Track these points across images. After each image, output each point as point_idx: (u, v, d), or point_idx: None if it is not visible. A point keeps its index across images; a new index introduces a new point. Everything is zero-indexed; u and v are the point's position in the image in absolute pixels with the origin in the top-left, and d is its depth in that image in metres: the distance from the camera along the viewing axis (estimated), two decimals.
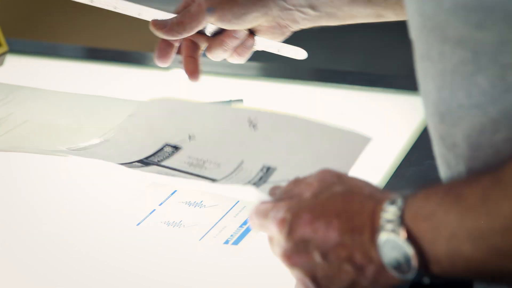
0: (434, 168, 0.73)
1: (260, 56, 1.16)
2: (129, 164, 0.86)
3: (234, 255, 0.76)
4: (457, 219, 0.58)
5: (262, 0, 0.99)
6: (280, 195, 0.66)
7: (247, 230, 0.77)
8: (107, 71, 1.29)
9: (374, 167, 1.00)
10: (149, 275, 0.72)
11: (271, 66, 1.33)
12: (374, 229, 0.58)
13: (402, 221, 0.57)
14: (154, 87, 1.20)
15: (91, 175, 0.92)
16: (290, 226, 0.59)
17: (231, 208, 0.82)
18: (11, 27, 1.37)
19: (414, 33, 0.67)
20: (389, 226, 0.58)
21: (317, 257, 0.59)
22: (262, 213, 0.63)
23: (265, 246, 0.69)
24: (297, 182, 0.67)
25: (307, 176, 0.67)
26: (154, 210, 0.81)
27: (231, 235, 0.76)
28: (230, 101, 1.07)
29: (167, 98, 0.98)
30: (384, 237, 0.57)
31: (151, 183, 0.88)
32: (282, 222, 0.60)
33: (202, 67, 1.10)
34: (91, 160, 0.88)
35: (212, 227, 0.77)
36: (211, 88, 1.18)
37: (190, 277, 0.72)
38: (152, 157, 0.87)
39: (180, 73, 1.16)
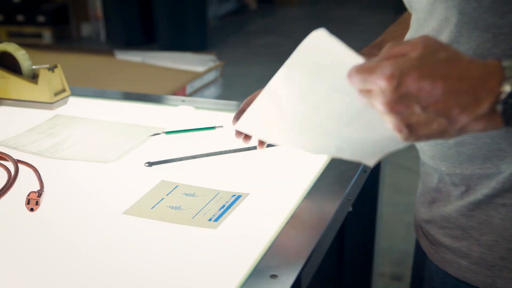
0: None
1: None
2: None
3: (215, 227, 0.86)
4: None
5: None
6: (381, 57, 0.64)
7: (224, 212, 0.89)
8: (135, 107, 1.38)
9: None
10: (158, 239, 0.84)
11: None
12: (497, 80, 0.63)
13: None
14: (166, 118, 1.29)
15: (115, 179, 1.04)
16: (398, 81, 0.60)
17: (213, 198, 0.93)
18: (72, 78, 1.57)
19: (449, 28, 0.80)
20: None
21: (417, 109, 0.61)
22: (367, 69, 0.62)
23: (235, 222, 0.87)
24: (396, 45, 0.66)
25: (409, 40, 0.72)
26: (163, 198, 0.93)
27: (213, 215, 0.88)
28: (214, 127, 1.20)
29: None
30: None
31: (161, 181, 0.99)
32: (391, 76, 0.59)
33: (198, 105, 1.31)
34: None
35: (201, 209, 0.90)
36: (204, 118, 1.27)
37: (187, 241, 0.83)
38: None
39: (181, 109, 1.35)
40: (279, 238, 0.83)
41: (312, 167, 1.03)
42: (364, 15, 6.98)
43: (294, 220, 0.88)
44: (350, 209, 1.02)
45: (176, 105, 1.37)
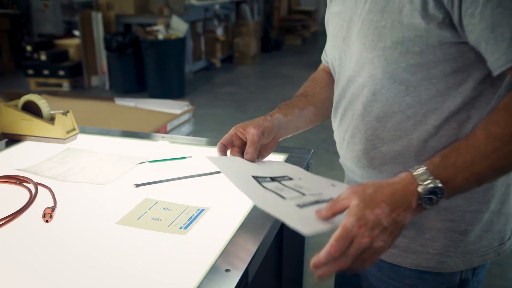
0: None
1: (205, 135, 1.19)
2: (261, 178, 0.88)
3: (184, 234, 0.83)
4: (471, 155, 0.70)
5: (285, 129, 1.01)
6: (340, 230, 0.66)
7: (191, 222, 0.87)
8: (127, 142, 1.35)
9: None
10: (142, 243, 0.82)
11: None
12: (414, 190, 0.68)
13: (431, 173, 0.68)
14: (150, 150, 1.24)
15: (111, 197, 1.01)
16: (365, 225, 0.65)
17: (183, 211, 0.91)
18: (82, 119, 1.55)
19: (374, 82, 0.82)
20: (425, 178, 0.68)
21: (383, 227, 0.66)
22: (340, 236, 0.65)
23: (199, 229, 0.85)
24: (334, 205, 0.71)
25: (339, 195, 0.71)
26: (146, 212, 0.91)
27: (183, 224, 0.86)
28: (185, 157, 1.17)
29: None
30: (423, 187, 0.67)
31: (145, 199, 0.96)
32: (359, 226, 0.65)
33: (173, 140, 1.29)
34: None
35: (174, 220, 0.87)
36: (178, 150, 1.22)
37: (164, 244, 0.81)
38: (278, 178, 0.90)
39: (161, 143, 1.32)
40: (232, 241, 0.82)
41: None
42: (295, 71, 7.08)
43: (242, 227, 0.87)
44: None
45: (157, 140, 1.35)
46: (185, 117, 2.41)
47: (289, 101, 1.06)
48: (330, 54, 0.99)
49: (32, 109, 1.31)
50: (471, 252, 0.85)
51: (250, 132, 0.94)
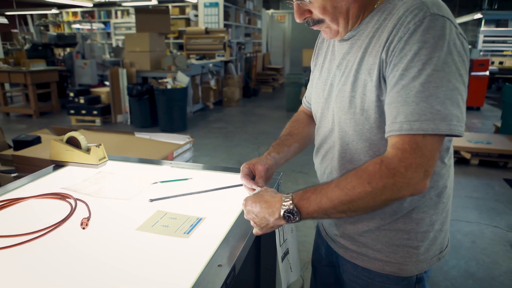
0: None
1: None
2: None
3: (187, 237, 0.82)
4: (321, 196, 0.70)
5: (278, 163, 0.99)
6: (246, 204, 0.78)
7: (192, 228, 0.85)
8: (144, 167, 1.29)
9: None
10: (155, 244, 0.80)
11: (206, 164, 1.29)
12: (279, 207, 0.73)
13: (293, 202, 0.72)
14: (162, 173, 1.21)
15: (132, 209, 0.97)
16: (244, 206, 0.78)
17: (186, 220, 0.89)
18: (110, 148, 1.52)
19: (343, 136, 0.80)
20: (287, 202, 0.72)
21: (254, 216, 0.76)
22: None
23: (199, 233, 0.83)
24: (247, 199, 0.79)
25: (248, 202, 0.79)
26: (158, 221, 0.89)
27: (186, 230, 0.85)
28: (187, 178, 1.15)
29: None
30: (284, 207, 0.72)
31: (157, 211, 0.94)
32: (243, 204, 0.78)
33: (179, 165, 1.25)
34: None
35: (179, 227, 0.86)
36: (182, 173, 1.19)
37: (172, 245, 0.79)
38: None
39: (169, 168, 1.26)
40: (222, 243, 0.81)
41: (239, 204, 0.98)
42: (267, 111, 7.11)
43: (231, 232, 0.85)
44: None
45: (166, 165, 1.32)
46: (187, 146, 2.39)
47: (279, 141, 1.03)
48: (313, 107, 0.96)
49: (73, 142, 1.29)
50: (422, 261, 0.83)
51: (258, 168, 0.93)
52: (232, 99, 7.64)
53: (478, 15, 9.78)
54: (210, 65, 7.12)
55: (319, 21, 0.78)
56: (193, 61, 6.93)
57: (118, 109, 6.01)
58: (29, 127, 5.83)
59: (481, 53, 10.09)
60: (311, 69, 1.01)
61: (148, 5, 10.59)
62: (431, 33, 0.64)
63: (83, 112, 5.88)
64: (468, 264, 2.33)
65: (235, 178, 1.17)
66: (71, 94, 6.03)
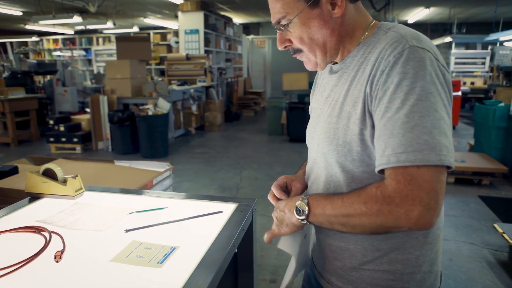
0: None
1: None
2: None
3: (160, 267, 0.82)
4: (328, 203, 0.72)
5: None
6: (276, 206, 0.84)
7: (166, 257, 0.86)
8: (120, 197, 1.31)
9: None
10: (130, 275, 0.80)
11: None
12: (295, 201, 0.77)
13: (307, 200, 0.75)
14: (138, 202, 1.21)
15: (106, 240, 0.97)
16: (276, 206, 0.84)
17: (160, 249, 0.89)
18: (88, 177, 1.51)
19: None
20: (303, 200, 0.75)
21: (279, 210, 0.81)
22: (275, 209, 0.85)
23: (172, 263, 0.84)
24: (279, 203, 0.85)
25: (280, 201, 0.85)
26: (132, 251, 0.89)
27: (160, 259, 0.85)
28: (163, 207, 1.14)
29: None
30: (298, 203, 0.76)
31: (132, 241, 0.94)
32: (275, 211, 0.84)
33: (155, 194, 1.24)
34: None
35: (153, 257, 0.86)
36: (158, 202, 1.20)
37: (145, 274, 0.80)
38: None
39: (146, 198, 1.25)
40: (195, 271, 0.82)
41: (213, 232, 1.01)
42: (249, 135, 7.17)
43: (204, 260, 0.86)
44: (236, 250, 0.99)
45: (143, 195, 1.33)
46: (166, 173, 2.40)
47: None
48: (306, 137, 0.95)
49: (50, 174, 1.30)
50: None
51: (297, 186, 0.94)
52: (214, 124, 7.69)
53: (448, 39, 10.24)
54: (192, 90, 7.19)
55: (299, 50, 0.80)
56: (175, 87, 6.99)
57: (99, 136, 5.97)
58: (7, 156, 5.71)
59: (454, 74, 10.50)
60: (310, 95, 1.01)
61: (129, 33, 10.70)
62: (411, 64, 0.64)
63: (63, 139, 5.82)
64: (445, 282, 2.37)
65: (211, 206, 1.19)
66: (51, 122, 5.97)
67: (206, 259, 0.87)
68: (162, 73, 9.84)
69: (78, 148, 5.86)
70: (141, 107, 5.54)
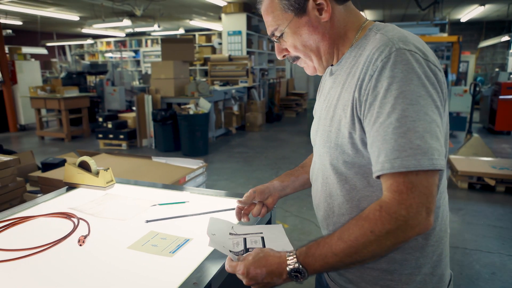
0: None
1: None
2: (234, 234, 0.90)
3: (171, 256, 0.87)
4: (326, 251, 0.67)
5: (283, 191, 1.00)
6: (239, 259, 0.74)
7: (178, 248, 0.90)
8: (148, 190, 1.37)
9: None
10: (144, 261, 0.85)
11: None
12: (285, 267, 0.69)
13: (299, 262, 0.68)
14: (163, 196, 1.27)
15: (128, 228, 1.03)
16: (246, 274, 0.70)
17: (174, 240, 0.94)
18: (125, 172, 1.60)
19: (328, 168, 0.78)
20: (293, 262, 0.68)
21: (259, 281, 0.70)
22: (232, 267, 0.73)
23: (183, 254, 0.88)
24: (244, 256, 0.75)
25: (247, 254, 0.74)
26: (149, 240, 0.94)
27: (172, 249, 0.89)
28: (184, 201, 1.20)
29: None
30: (290, 267, 0.68)
31: (150, 231, 1.00)
32: (243, 273, 0.71)
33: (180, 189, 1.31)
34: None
35: (167, 247, 0.91)
36: (180, 196, 1.25)
37: (157, 262, 0.84)
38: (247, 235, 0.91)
39: (166, 191, 1.33)
40: (204, 262, 0.85)
41: None
42: (290, 137, 7.15)
43: (214, 252, 0.89)
44: None
45: (169, 189, 1.38)
46: (200, 171, 2.47)
47: (290, 171, 1.04)
48: (310, 137, 0.95)
49: (85, 166, 1.39)
50: None
51: (249, 192, 0.97)
52: (254, 124, 7.75)
53: (506, 38, 9.58)
54: (233, 91, 7.30)
55: (296, 58, 0.83)
56: (217, 87, 7.15)
57: (144, 133, 6.24)
58: (61, 150, 6.14)
59: (511, 76, 9.80)
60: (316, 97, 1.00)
61: (175, 35, 11.08)
62: (399, 67, 0.64)
63: (111, 136, 6.15)
64: None
65: (231, 202, 1.23)
66: (100, 119, 6.34)
67: (216, 252, 0.90)
68: (206, 73, 10.08)
69: (124, 145, 6.17)
70: (182, 106, 5.73)
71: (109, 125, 6.17)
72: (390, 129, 0.63)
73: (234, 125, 7.49)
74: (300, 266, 0.68)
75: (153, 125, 5.92)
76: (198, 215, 1.12)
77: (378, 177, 0.66)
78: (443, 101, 0.67)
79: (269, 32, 0.82)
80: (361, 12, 0.81)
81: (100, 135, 6.22)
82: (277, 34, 0.80)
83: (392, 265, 0.76)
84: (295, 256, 0.70)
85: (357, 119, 0.71)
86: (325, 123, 0.80)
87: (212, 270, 0.82)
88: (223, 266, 0.83)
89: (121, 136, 6.12)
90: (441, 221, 0.78)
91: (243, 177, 4.66)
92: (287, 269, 0.69)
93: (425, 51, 0.68)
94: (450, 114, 6.59)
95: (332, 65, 0.83)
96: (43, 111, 7.65)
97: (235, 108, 7.61)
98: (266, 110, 8.78)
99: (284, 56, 0.85)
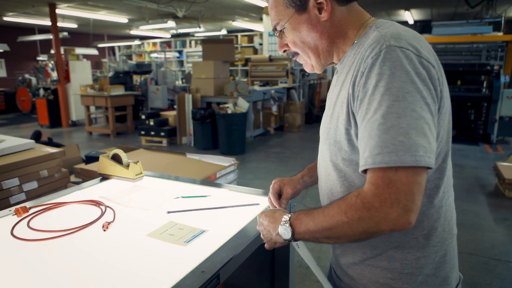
0: None
1: None
2: None
3: (185, 245, 0.90)
4: (310, 220, 0.72)
5: (308, 185, 1.03)
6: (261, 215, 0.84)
7: (193, 238, 0.94)
8: (174, 183, 1.42)
9: None
10: (161, 248, 0.90)
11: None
12: (279, 223, 0.77)
13: (290, 221, 0.75)
14: (187, 189, 1.32)
15: (150, 218, 1.08)
16: (258, 219, 0.83)
17: (191, 231, 0.98)
18: (159, 166, 1.66)
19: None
20: (285, 219, 0.76)
21: (263, 228, 0.81)
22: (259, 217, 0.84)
23: (197, 243, 0.91)
24: (262, 212, 0.85)
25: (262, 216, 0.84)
26: (167, 230, 0.99)
27: (187, 239, 0.93)
28: (206, 195, 1.25)
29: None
30: (281, 223, 0.76)
31: (169, 221, 1.04)
32: (259, 218, 0.84)
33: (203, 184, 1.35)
34: None
35: (182, 236, 0.95)
36: (201, 191, 1.29)
37: (173, 250, 0.88)
38: None
39: (192, 185, 1.39)
40: (214, 253, 0.88)
41: (244, 221, 1.07)
42: None
43: (225, 245, 0.92)
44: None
45: (194, 183, 1.42)
46: (231, 168, 2.52)
47: (314, 164, 1.04)
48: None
49: (117, 159, 1.48)
50: None
51: (288, 191, 1.00)
52: (293, 125, 7.74)
53: None
54: (272, 91, 7.34)
55: (296, 53, 0.86)
56: (256, 87, 7.21)
57: (183, 131, 6.44)
58: (106, 145, 6.48)
59: None
60: None
61: (218, 36, 11.30)
62: (388, 64, 0.64)
63: (152, 133, 6.41)
64: None
65: (251, 198, 1.25)
66: (143, 117, 6.61)
67: (228, 244, 0.93)
68: (247, 74, 10.19)
69: (164, 142, 6.40)
70: (221, 106, 5.84)
71: (151, 123, 6.42)
72: (375, 125, 0.63)
73: (273, 125, 7.52)
74: (288, 224, 0.75)
75: (193, 124, 6.08)
76: (217, 209, 1.16)
77: (365, 172, 0.67)
78: (436, 98, 0.66)
79: (272, 26, 0.85)
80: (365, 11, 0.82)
81: (143, 132, 6.50)
82: (278, 28, 0.82)
83: (393, 263, 0.76)
84: (289, 217, 0.76)
85: (352, 115, 0.72)
86: (326, 120, 0.82)
87: (222, 260, 0.85)
88: (233, 258, 0.87)
89: (162, 134, 6.35)
90: (444, 222, 0.76)
91: (277, 177, 4.66)
92: (280, 225, 0.76)
93: (419, 47, 0.67)
94: (502, 118, 6.20)
95: (335, 64, 0.84)
96: (92, 108, 8.10)
97: (274, 109, 7.63)
98: (306, 111, 8.72)
99: (284, 51, 0.87)
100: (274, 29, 0.84)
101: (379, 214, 0.61)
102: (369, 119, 0.65)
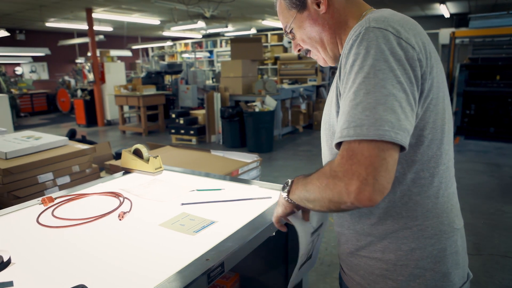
0: None
1: None
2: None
3: (194, 235, 0.93)
4: (300, 184, 0.74)
5: None
6: None
7: (202, 229, 0.97)
8: (193, 178, 1.46)
9: None
10: (171, 237, 0.94)
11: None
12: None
13: (290, 184, 0.78)
14: (204, 183, 1.35)
15: (165, 209, 1.12)
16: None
17: (201, 222, 1.01)
18: (184, 162, 1.72)
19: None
20: (288, 182, 0.78)
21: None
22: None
23: (206, 233, 0.94)
24: None
25: None
26: (179, 220, 1.03)
27: (197, 229, 0.96)
28: (220, 189, 1.30)
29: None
30: (286, 182, 0.79)
31: (182, 212, 1.08)
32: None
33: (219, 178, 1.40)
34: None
35: (192, 227, 0.98)
36: (215, 184, 1.33)
37: (182, 239, 0.92)
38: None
39: (214, 180, 1.43)
40: (221, 243, 0.90)
41: (254, 214, 1.09)
42: None
43: (233, 235, 0.95)
44: (273, 234, 1.03)
45: (209, 177, 1.46)
46: (253, 165, 2.54)
47: None
48: None
49: (138, 153, 1.54)
50: None
51: None
52: None
53: None
54: (301, 89, 7.31)
55: (308, 50, 0.90)
56: (285, 85, 7.20)
57: (212, 129, 6.54)
58: (138, 143, 6.69)
59: None
60: None
61: (248, 35, 11.37)
62: (364, 45, 0.66)
63: (182, 131, 6.56)
64: None
65: (264, 192, 1.28)
66: (173, 115, 6.78)
67: (235, 234, 0.95)
68: (277, 72, 10.20)
69: (194, 140, 6.53)
70: (248, 104, 5.89)
71: (181, 121, 6.57)
72: (347, 101, 0.65)
73: (301, 123, 7.48)
74: (289, 183, 0.78)
75: (221, 122, 6.17)
76: (230, 202, 1.19)
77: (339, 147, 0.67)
78: (415, 80, 0.65)
79: (283, 30, 0.91)
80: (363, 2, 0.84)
81: (173, 131, 6.66)
82: (288, 30, 0.89)
83: (387, 254, 0.76)
84: (291, 180, 0.79)
85: (340, 96, 0.73)
86: (325, 107, 0.84)
87: (227, 250, 0.87)
88: (239, 248, 0.89)
89: (191, 132, 6.48)
90: (441, 213, 0.74)
91: None
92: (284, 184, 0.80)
93: (400, 29, 0.67)
94: None
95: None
96: (125, 108, 8.40)
97: (303, 107, 7.59)
98: None
99: (299, 50, 0.92)
100: (285, 32, 0.89)
101: (341, 183, 0.61)
102: (344, 97, 0.67)
